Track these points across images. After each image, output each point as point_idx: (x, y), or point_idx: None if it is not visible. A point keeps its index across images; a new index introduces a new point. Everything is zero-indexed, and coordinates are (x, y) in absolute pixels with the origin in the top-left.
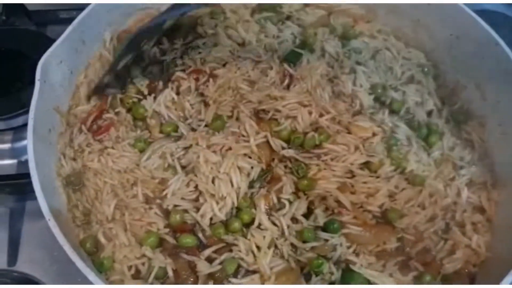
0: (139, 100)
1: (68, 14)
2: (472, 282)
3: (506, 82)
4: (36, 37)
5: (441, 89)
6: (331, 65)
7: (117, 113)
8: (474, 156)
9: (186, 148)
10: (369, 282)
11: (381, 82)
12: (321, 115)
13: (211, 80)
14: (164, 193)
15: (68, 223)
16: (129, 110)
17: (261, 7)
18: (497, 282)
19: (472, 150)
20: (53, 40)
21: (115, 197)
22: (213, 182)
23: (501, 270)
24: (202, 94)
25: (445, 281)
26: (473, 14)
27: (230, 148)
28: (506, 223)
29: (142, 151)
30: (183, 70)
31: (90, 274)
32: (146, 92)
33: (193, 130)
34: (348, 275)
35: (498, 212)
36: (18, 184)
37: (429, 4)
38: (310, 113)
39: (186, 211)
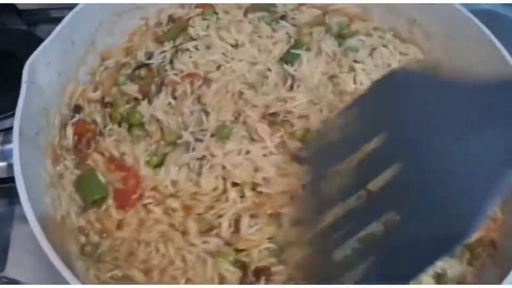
0: (132, 108)
1: (60, 13)
2: (494, 247)
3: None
4: (26, 37)
5: None
6: (329, 64)
7: (109, 132)
8: None
9: (200, 160)
10: None
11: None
12: (330, 112)
13: (204, 87)
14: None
15: (60, 228)
16: (120, 124)
17: (254, 7)
18: None
19: None
20: (43, 40)
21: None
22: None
23: None
24: (199, 99)
25: (470, 250)
26: (469, 15)
27: (248, 152)
28: None
29: (157, 166)
30: (176, 74)
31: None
32: (140, 97)
33: (199, 140)
34: None
35: None
36: (8, 188)
37: (425, 4)
38: (321, 110)
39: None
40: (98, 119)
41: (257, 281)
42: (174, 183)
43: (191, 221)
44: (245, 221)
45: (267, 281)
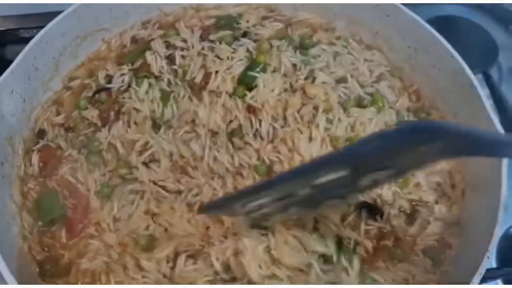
0: (93, 133)
1: (29, 33)
2: (450, 248)
3: (462, 94)
4: None
5: (407, 88)
6: (288, 76)
7: (68, 158)
8: None
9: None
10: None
11: (346, 74)
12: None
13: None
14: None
15: (26, 254)
16: (80, 150)
17: (218, 25)
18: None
19: None
20: (11, 62)
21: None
22: None
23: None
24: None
25: (426, 255)
26: (429, 27)
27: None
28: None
29: (106, 196)
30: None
31: None
32: (99, 124)
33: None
34: None
35: (464, 196)
36: None
37: (387, 16)
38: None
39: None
40: (62, 144)
41: None
42: (116, 219)
43: (128, 257)
44: (182, 259)
45: None
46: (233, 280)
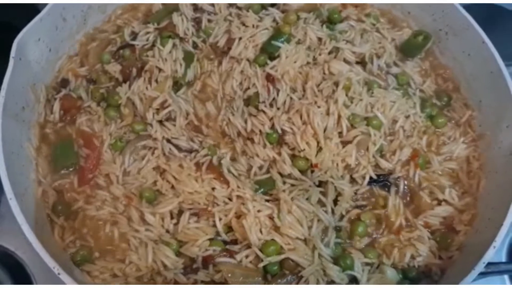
0: (113, 87)
1: None
2: (455, 232)
3: (490, 83)
4: (25, 9)
5: (435, 69)
6: (312, 49)
7: (86, 109)
8: (456, 133)
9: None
10: None
11: (371, 52)
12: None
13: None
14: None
15: (39, 198)
16: (99, 103)
17: None
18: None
19: (455, 126)
20: None
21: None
22: None
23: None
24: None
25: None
26: (463, 11)
27: None
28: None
29: (119, 150)
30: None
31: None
32: (120, 79)
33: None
34: None
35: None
36: None
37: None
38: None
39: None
40: (83, 95)
41: (204, 269)
42: (125, 173)
43: (133, 209)
44: (185, 216)
45: (215, 270)
46: (233, 242)
